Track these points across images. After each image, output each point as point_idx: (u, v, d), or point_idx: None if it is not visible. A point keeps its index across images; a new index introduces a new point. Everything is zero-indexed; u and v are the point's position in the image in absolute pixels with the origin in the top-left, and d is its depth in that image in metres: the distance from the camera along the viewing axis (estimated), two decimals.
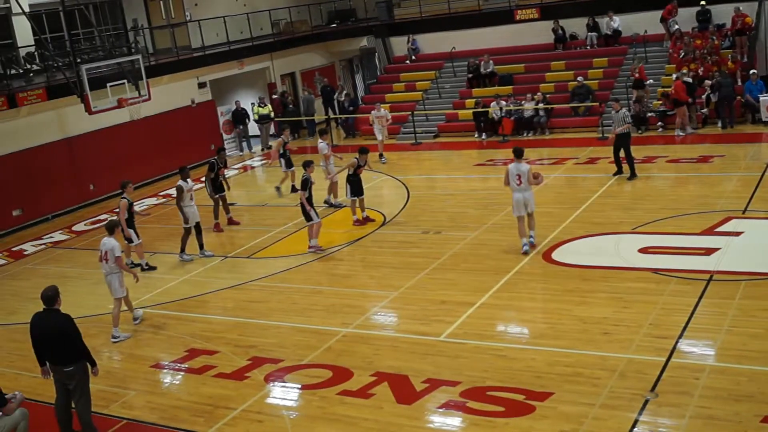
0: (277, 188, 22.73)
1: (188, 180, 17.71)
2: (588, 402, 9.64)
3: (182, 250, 17.81)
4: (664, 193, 18.52)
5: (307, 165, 17.06)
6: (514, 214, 15.28)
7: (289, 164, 22.24)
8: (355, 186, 18.48)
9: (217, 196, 20.01)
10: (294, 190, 21.50)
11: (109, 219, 15.99)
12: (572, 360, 10.79)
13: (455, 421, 9.76)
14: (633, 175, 19.55)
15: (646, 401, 9.50)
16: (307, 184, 16.77)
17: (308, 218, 16.99)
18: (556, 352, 11.12)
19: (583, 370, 10.48)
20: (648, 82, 25.55)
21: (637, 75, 25.20)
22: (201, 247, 17.88)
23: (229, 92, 32.17)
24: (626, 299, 12.57)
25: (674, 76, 24.58)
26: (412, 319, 13.02)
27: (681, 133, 23.59)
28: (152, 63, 27.46)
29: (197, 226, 17.73)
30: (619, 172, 19.91)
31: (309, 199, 16.84)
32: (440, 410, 10.00)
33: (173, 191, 24.38)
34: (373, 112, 24.62)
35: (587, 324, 11.87)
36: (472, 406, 9.93)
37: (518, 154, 15.12)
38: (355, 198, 18.60)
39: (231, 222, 20.20)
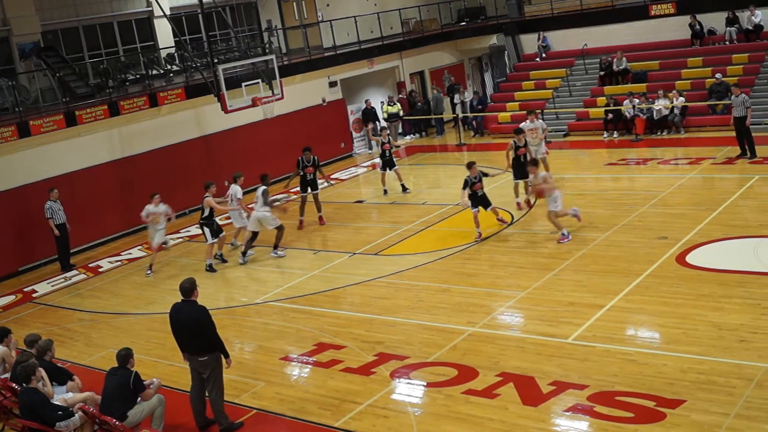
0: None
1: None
2: (722, 411, 9.29)
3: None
4: None
5: (470, 166, 17.43)
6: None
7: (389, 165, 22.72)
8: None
9: (303, 194, 20.54)
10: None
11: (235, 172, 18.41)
12: (706, 367, 10.42)
13: (582, 425, 9.60)
14: (753, 155, 20.77)
15: None
16: (467, 184, 17.24)
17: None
18: (689, 358, 10.76)
19: (718, 378, 10.11)
20: None
21: None
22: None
23: (359, 91, 32.57)
24: (765, 306, 12.01)
25: None
26: (539, 320, 12.87)
27: None
28: (285, 63, 28.12)
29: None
30: (743, 154, 20.97)
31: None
32: (567, 413, 9.85)
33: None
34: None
35: (723, 330, 11.43)
36: (600, 411, 9.74)
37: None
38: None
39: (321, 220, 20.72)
